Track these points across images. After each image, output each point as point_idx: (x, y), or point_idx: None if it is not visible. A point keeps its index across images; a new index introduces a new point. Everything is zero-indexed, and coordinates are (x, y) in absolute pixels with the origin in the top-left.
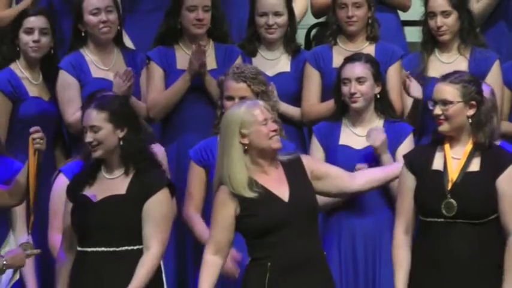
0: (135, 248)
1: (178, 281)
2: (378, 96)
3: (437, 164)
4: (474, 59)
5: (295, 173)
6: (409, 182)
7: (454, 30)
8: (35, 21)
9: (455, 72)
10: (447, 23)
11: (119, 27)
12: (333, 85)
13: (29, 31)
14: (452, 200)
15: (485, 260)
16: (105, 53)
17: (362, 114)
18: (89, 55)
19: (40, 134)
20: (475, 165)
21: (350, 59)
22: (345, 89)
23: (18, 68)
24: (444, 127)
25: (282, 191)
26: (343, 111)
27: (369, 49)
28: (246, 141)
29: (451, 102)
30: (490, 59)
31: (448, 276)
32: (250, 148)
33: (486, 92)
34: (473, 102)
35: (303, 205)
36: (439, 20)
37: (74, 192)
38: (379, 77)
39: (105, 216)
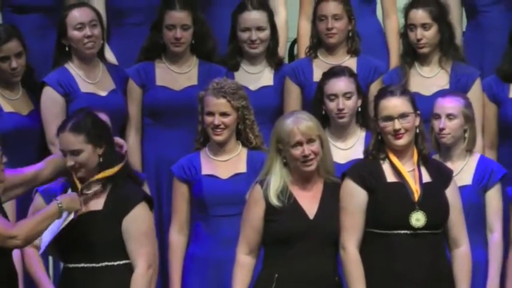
0: (116, 263)
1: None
2: (359, 109)
3: (391, 177)
4: (456, 73)
5: (333, 195)
6: (361, 197)
7: (433, 42)
8: (9, 49)
9: (391, 85)
10: (427, 35)
11: (102, 42)
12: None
13: (5, 59)
14: (421, 212)
15: (444, 266)
16: (90, 68)
17: (346, 128)
18: (74, 69)
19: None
20: (426, 176)
21: (333, 74)
22: (332, 105)
23: None
24: (404, 140)
25: (311, 208)
26: (324, 125)
27: (350, 62)
28: (282, 154)
29: (408, 115)
30: (471, 75)
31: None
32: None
33: (460, 106)
34: (418, 112)
35: (325, 226)
36: (419, 33)
37: None
38: (361, 89)
39: (82, 232)
